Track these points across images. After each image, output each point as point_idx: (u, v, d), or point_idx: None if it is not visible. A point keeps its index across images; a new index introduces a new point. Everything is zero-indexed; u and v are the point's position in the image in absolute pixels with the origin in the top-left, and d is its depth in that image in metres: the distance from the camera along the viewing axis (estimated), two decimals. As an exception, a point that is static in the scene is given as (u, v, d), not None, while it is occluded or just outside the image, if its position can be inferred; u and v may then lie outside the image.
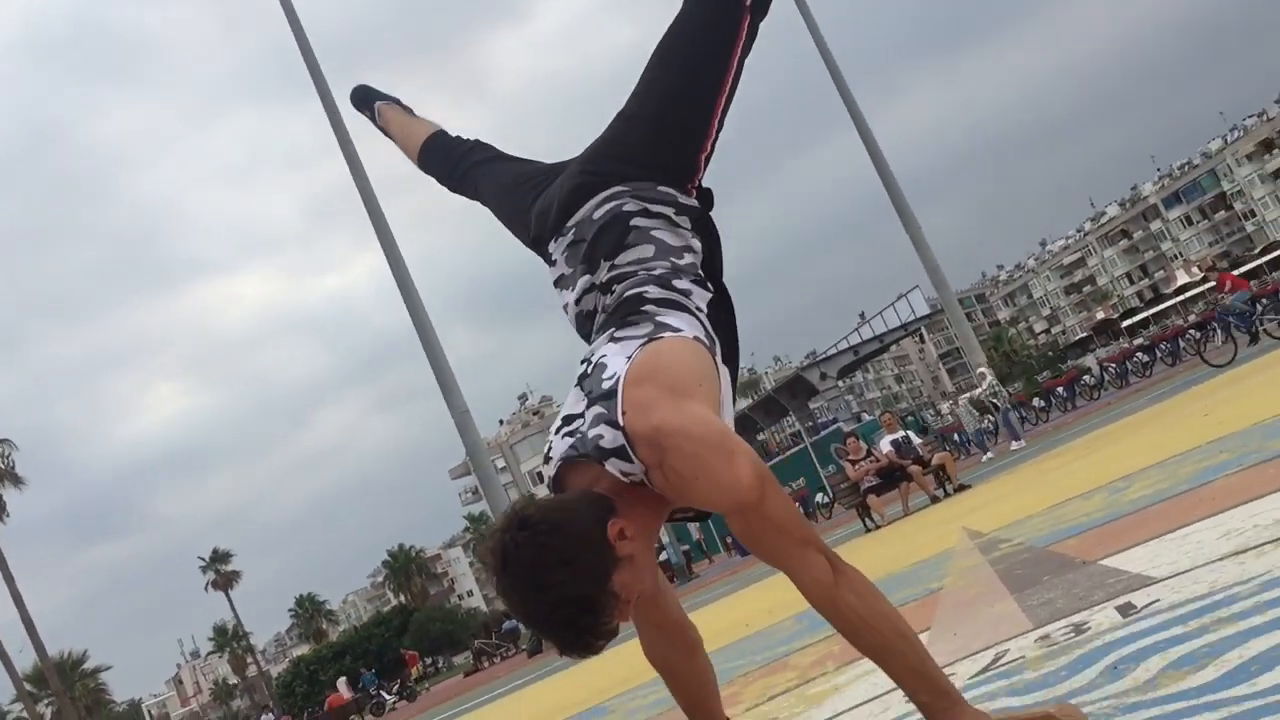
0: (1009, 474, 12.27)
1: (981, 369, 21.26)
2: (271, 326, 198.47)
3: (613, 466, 1.79)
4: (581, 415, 1.87)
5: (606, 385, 1.85)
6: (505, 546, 1.70)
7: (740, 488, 1.72)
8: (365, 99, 2.96)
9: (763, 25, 2.18)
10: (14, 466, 47.36)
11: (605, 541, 1.72)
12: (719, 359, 1.98)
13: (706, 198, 2.17)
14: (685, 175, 2.12)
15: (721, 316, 2.06)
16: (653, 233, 2.05)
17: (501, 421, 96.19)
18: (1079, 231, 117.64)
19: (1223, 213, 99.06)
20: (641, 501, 1.81)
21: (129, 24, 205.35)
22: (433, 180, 2.64)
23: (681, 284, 2.01)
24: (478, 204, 2.49)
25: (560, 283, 2.16)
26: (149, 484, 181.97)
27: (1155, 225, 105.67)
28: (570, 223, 2.13)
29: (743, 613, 7.62)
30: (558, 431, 1.91)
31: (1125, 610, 2.59)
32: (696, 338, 1.93)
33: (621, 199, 2.08)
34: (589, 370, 1.93)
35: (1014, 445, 15.52)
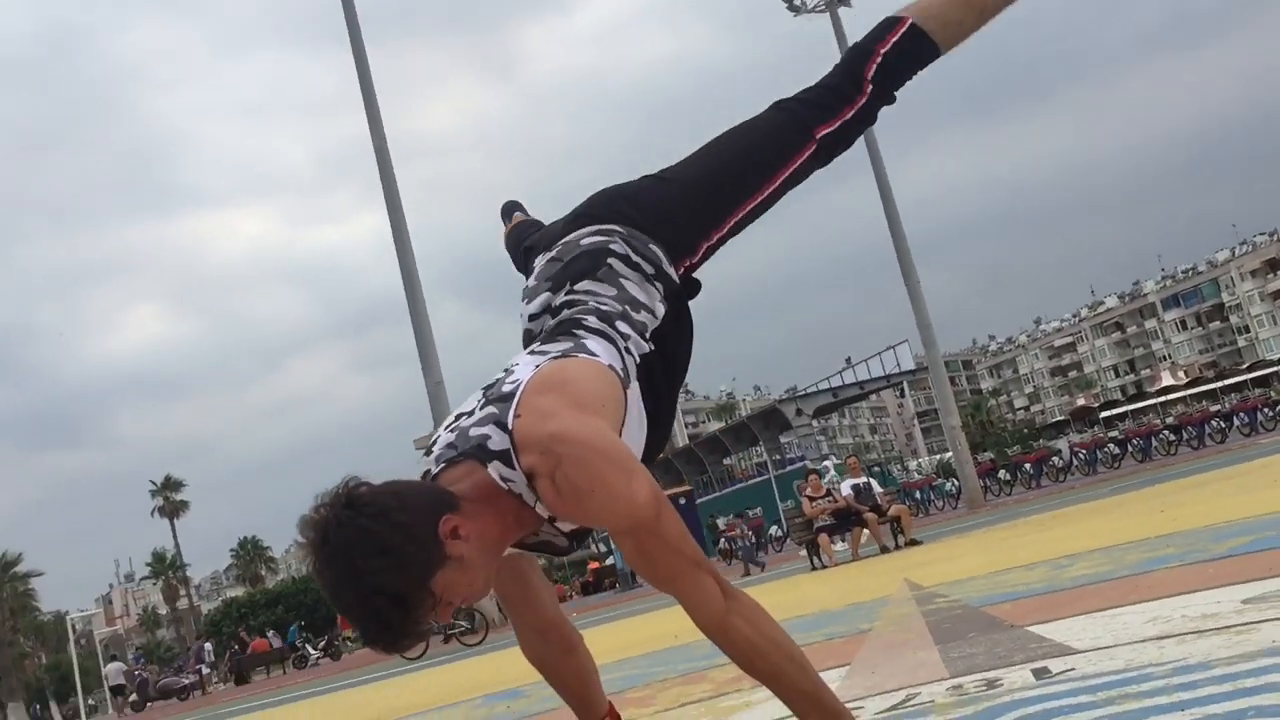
0: (960, 537, 12.33)
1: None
2: (261, 267, 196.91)
3: (494, 470, 1.71)
4: (471, 413, 1.80)
5: (507, 389, 1.78)
6: (326, 523, 1.61)
7: (637, 504, 1.66)
8: (508, 211, 3.02)
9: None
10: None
11: (434, 537, 1.62)
12: (629, 395, 1.88)
13: (691, 284, 2.15)
14: (681, 253, 2.11)
15: (655, 379, 1.98)
16: (623, 279, 2.01)
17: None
18: (1075, 316, 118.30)
19: (1218, 323, 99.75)
20: (498, 510, 1.72)
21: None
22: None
23: (623, 327, 1.95)
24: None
25: (525, 293, 2.14)
26: (113, 401, 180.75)
27: (1150, 324, 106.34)
28: (561, 241, 2.13)
29: (674, 625, 7.62)
30: (447, 428, 1.83)
31: (1040, 674, 2.62)
32: (611, 366, 1.85)
33: (612, 237, 2.06)
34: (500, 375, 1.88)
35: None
